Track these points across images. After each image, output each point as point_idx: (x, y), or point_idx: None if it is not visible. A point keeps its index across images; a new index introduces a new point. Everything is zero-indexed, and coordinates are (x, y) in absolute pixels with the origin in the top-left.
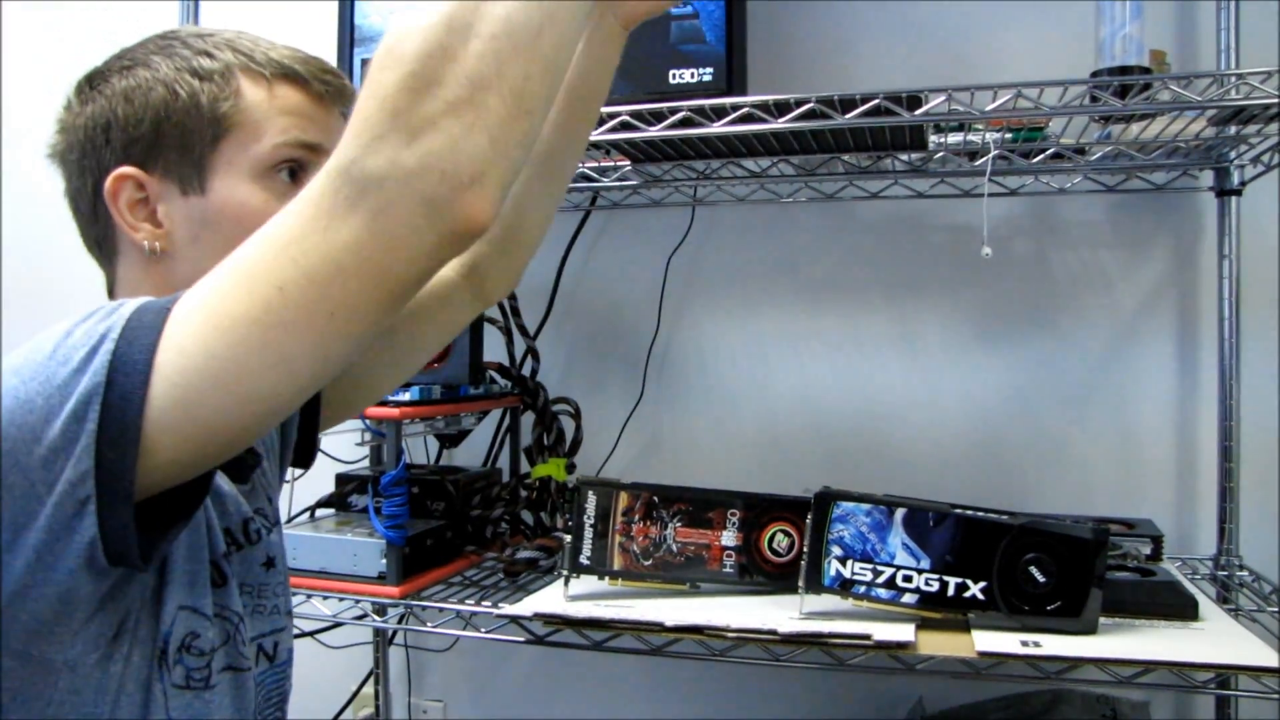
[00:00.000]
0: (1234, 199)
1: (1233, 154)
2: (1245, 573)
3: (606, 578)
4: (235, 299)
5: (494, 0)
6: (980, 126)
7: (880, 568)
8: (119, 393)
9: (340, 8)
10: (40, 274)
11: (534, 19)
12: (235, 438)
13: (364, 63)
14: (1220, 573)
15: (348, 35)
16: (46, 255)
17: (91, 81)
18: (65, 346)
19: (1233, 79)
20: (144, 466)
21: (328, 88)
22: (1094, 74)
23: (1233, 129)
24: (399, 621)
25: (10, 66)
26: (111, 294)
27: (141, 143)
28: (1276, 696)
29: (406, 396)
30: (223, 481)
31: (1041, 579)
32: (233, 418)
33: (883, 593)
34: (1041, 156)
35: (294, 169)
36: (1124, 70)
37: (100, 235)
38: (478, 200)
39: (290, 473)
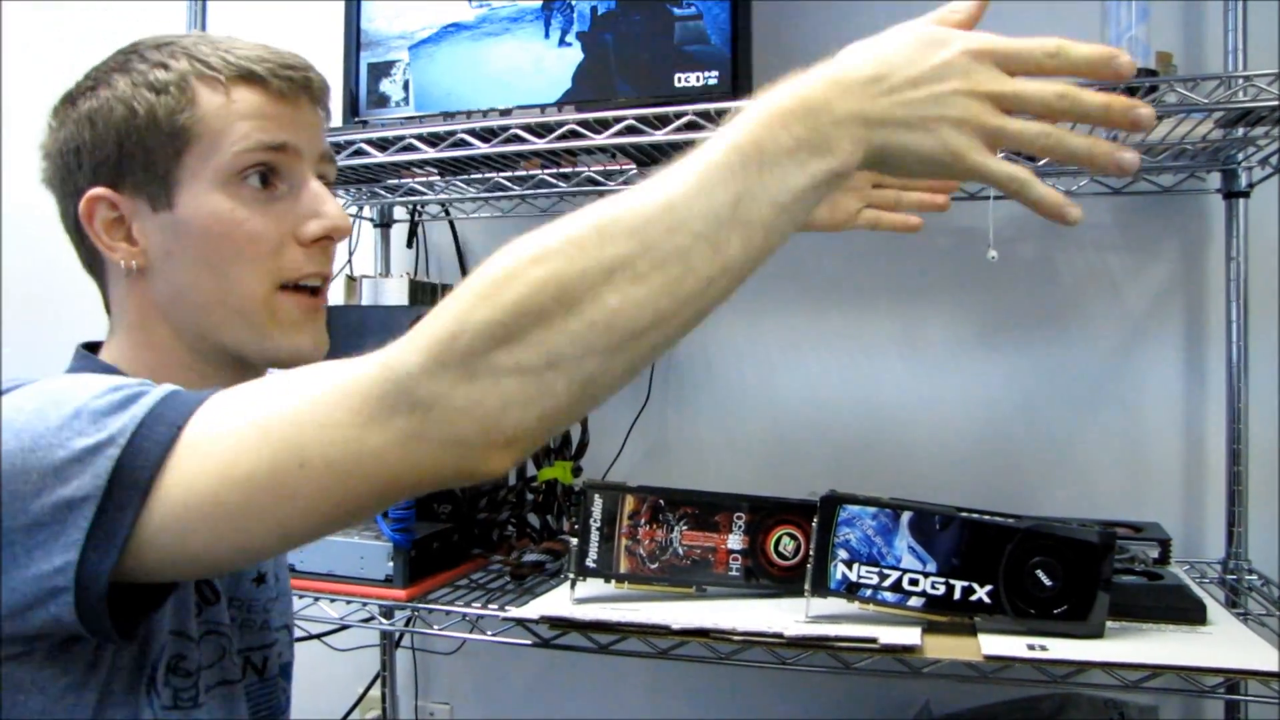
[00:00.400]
0: (1241, 201)
1: (1240, 156)
2: (1254, 576)
3: (613, 581)
4: (256, 457)
5: (613, 289)
6: None
7: (886, 571)
8: (117, 503)
9: (346, 10)
10: (40, 274)
11: (642, 321)
12: (216, 568)
13: (371, 67)
14: (1229, 576)
15: (353, 39)
16: (46, 255)
17: (64, 104)
18: (70, 428)
19: (1240, 81)
20: (123, 567)
21: (289, 83)
22: None
23: (1240, 131)
24: (405, 624)
25: (10, 66)
26: (109, 311)
27: (108, 164)
28: None
29: None
30: None
31: (1048, 582)
32: (219, 556)
33: (889, 596)
34: (1047, 159)
35: (264, 173)
36: None
37: (88, 257)
38: (502, 460)
39: None
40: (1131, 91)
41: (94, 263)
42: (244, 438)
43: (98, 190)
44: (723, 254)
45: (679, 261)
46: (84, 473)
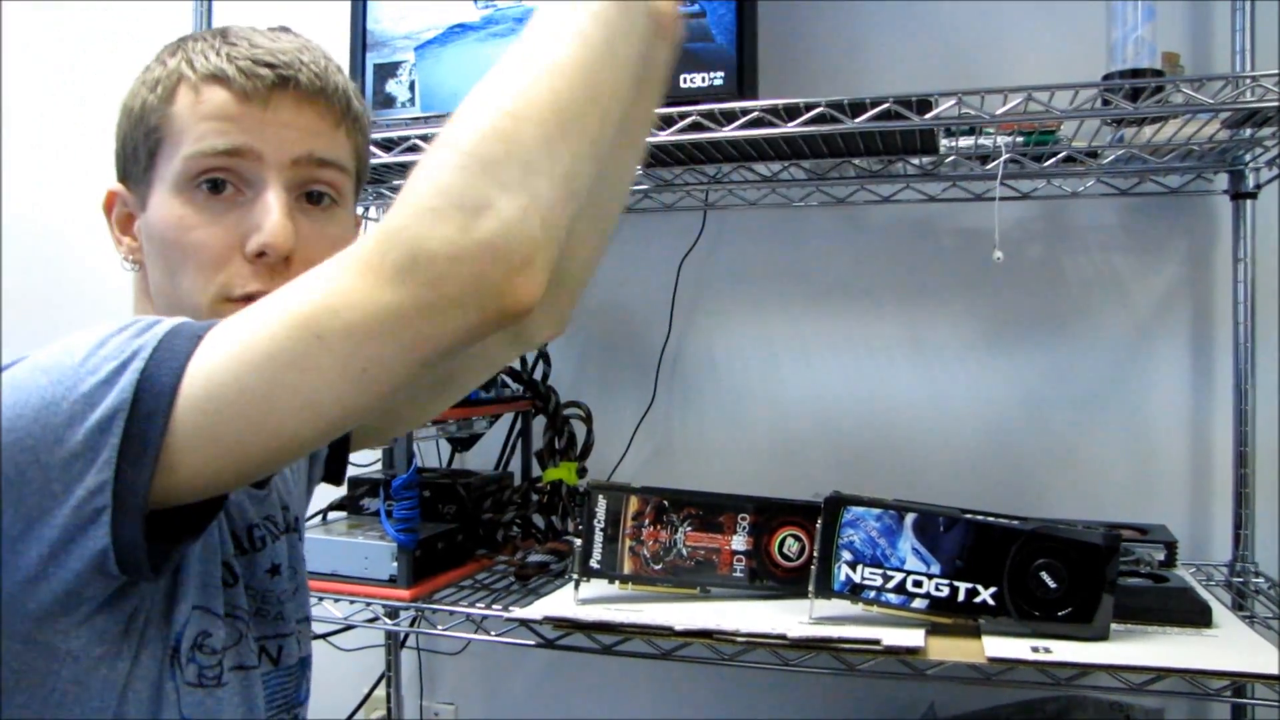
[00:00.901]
0: (1249, 202)
1: (1247, 157)
2: (1260, 579)
3: (617, 581)
4: (273, 338)
5: (543, 83)
6: (991, 130)
7: (890, 573)
8: (144, 411)
9: (352, 10)
10: (40, 273)
11: (579, 99)
12: (254, 468)
13: (377, 68)
14: (1235, 579)
15: (359, 40)
16: (46, 255)
17: None
18: (96, 356)
19: (1247, 81)
20: (160, 484)
21: (258, 81)
22: (1106, 77)
23: (1247, 131)
24: (410, 625)
25: (10, 66)
26: None
27: (120, 159)
28: None
29: None
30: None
31: (1052, 585)
32: (254, 450)
33: (893, 598)
34: (1053, 160)
35: (216, 180)
36: (1136, 73)
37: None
38: (527, 283)
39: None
40: (1137, 93)
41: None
42: (260, 322)
43: (114, 185)
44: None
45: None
46: (110, 392)
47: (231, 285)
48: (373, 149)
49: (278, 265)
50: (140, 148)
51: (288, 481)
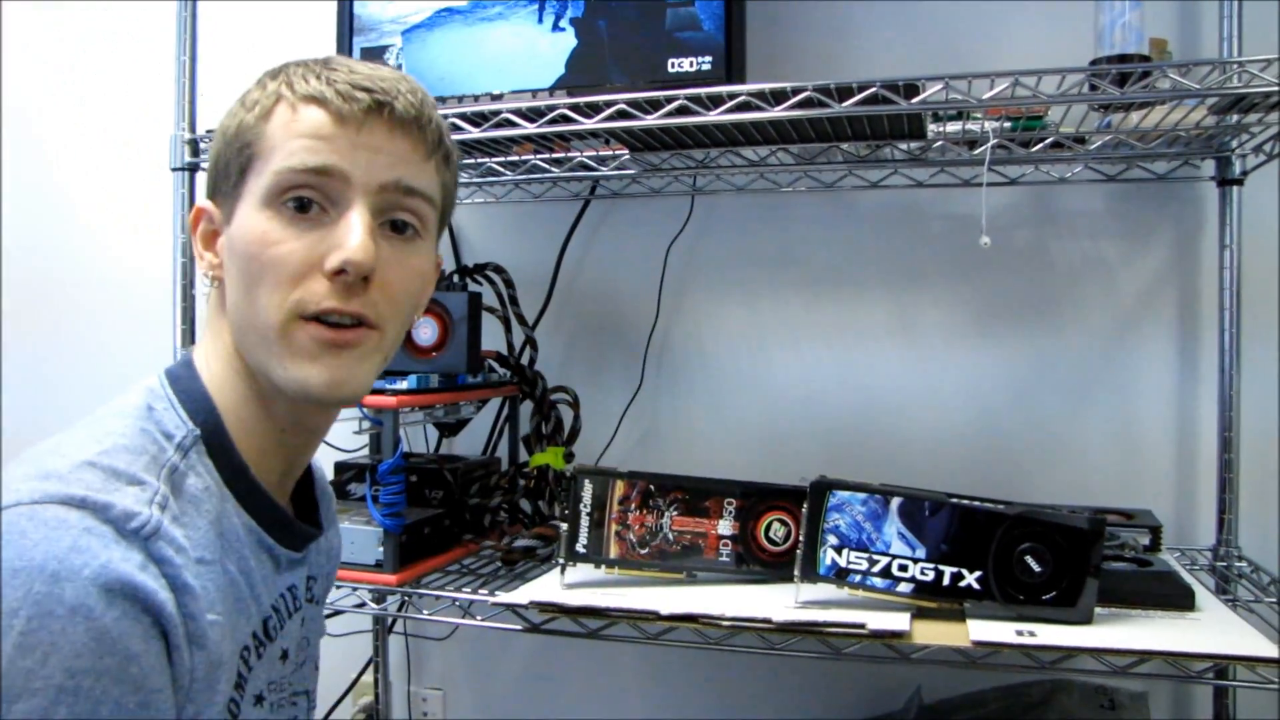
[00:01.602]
0: (1235, 188)
1: (1234, 143)
2: (1244, 563)
3: (603, 566)
4: None
5: None
6: (979, 115)
7: (876, 557)
8: None
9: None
10: (40, 273)
11: None
12: None
13: (364, 51)
14: (1219, 563)
15: (347, 24)
16: (46, 255)
17: None
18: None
19: (1233, 67)
20: None
21: (353, 104)
22: (1093, 62)
23: (1234, 117)
24: (397, 609)
25: (11, 66)
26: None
27: (210, 176)
28: (1274, 687)
29: (404, 385)
30: (261, 565)
31: (1037, 568)
32: None
33: (878, 582)
34: (1041, 145)
35: (303, 197)
36: (1123, 58)
37: None
38: None
39: None
40: (1124, 78)
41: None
42: None
43: (203, 202)
44: None
45: None
46: None
47: (306, 302)
48: None
49: (355, 284)
50: (232, 164)
51: (326, 554)
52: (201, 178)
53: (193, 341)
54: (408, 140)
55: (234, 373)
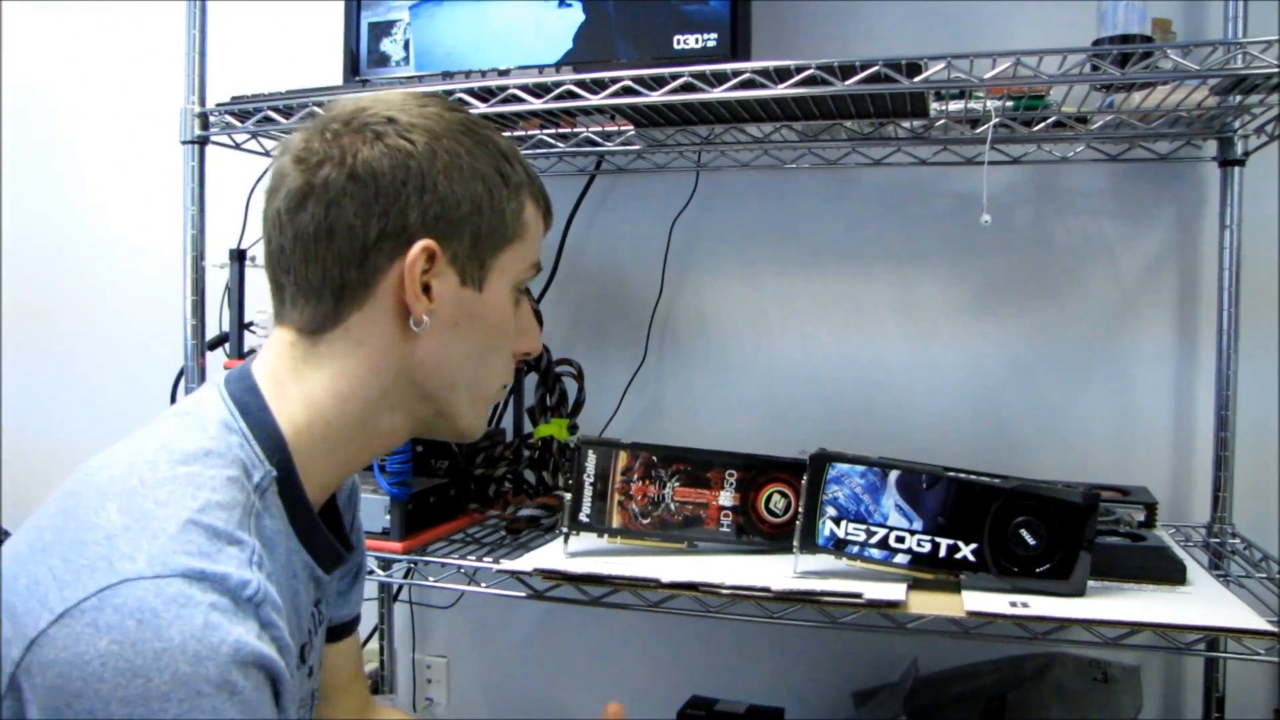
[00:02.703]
0: (1237, 169)
1: (1236, 124)
2: (1237, 540)
3: (605, 535)
4: None
5: None
6: (981, 94)
7: (873, 528)
8: None
9: None
10: (40, 274)
11: None
12: None
13: (371, 26)
14: (1213, 540)
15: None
16: (46, 254)
17: (390, 124)
18: None
19: (1235, 48)
20: None
21: (550, 224)
22: (1096, 42)
23: (1236, 98)
24: (403, 576)
25: (10, 66)
26: (313, 334)
27: (450, 222)
28: (1263, 659)
29: None
30: (308, 594)
31: (1032, 542)
32: None
33: (875, 553)
34: (1043, 125)
35: (521, 290)
36: (1125, 39)
37: (350, 279)
38: None
39: None
40: (1126, 58)
41: (349, 286)
42: None
43: (430, 241)
44: None
45: None
46: None
47: (510, 374)
48: None
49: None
50: (489, 230)
51: (344, 578)
52: (213, 152)
53: (202, 315)
54: None
55: (334, 408)
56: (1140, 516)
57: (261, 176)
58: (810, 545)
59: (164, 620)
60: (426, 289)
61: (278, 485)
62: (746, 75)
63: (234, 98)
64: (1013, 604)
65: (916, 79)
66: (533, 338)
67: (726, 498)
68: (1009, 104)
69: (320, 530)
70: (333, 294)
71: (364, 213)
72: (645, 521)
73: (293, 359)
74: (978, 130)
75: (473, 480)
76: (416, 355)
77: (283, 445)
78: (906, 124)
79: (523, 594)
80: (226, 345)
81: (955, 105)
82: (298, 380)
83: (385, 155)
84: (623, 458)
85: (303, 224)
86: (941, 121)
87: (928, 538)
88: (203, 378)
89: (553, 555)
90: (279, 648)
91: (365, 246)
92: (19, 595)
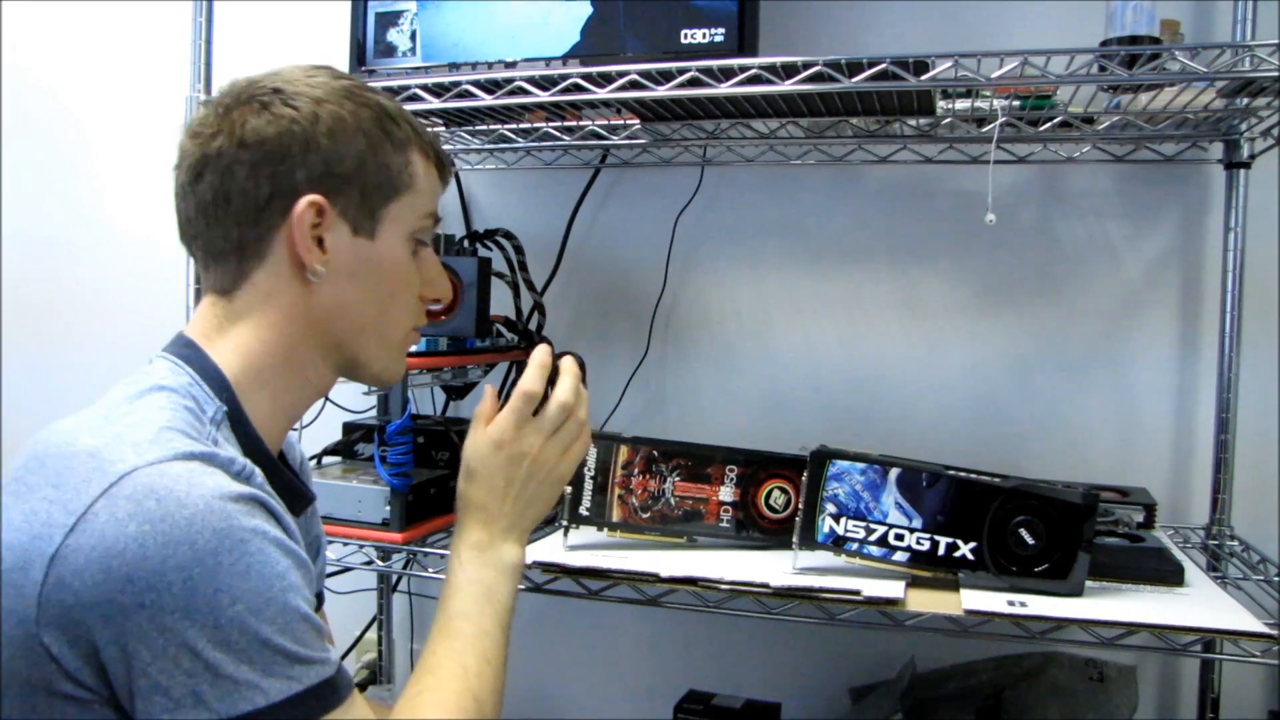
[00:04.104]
0: (1243, 172)
1: (1243, 126)
2: (1235, 542)
3: (605, 529)
4: None
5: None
6: (988, 93)
7: (873, 526)
8: None
9: None
10: (41, 263)
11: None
12: None
13: (378, 16)
14: (1211, 542)
15: None
16: (47, 244)
17: (275, 97)
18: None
19: (1243, 50)
20: None
21: (448, 172)
22: (1103, 43)
23: (1243, 101)
24: (403, 567)
25: (14, 55)
26: (227, 293)
27: (336, 178)
28: (1259, 660)
29: (413, 348)
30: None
31: (1031, 541)
32: None
33: (875, 550)
34: (1049, 125)
35: (420, 240)
36: (1133, 40)
37: (249, 238)
38: None
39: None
40: (1133, 59)
41: (249, 244)
42: None
43: (318, 197)
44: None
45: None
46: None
47: (417, 319)
48: None
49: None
50: (375, 183)
51: (310, 521)
52: None
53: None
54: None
55: (265, 357)
56: (1139, 517)
57: None
58: (810, 542)
59: (179, 492)
60: (321, 242)
61: (229, 421)
62: (753, 71)
63: None
64: (1011, 603)
65: (923, 77)
66: (440, 285)
67: (727, 493)
68: (1015, 103)
69: (277, 465)
70: (236, 254)
71: (254, 176)
72: (645, 516)
73: (216, 318)
74: (984, 129)
75: None
76: (321, 304)
77: (227, 385)
78: (913, 122)
79: (522, 586)
80: None
81: (962, 104)
82: (224, 336)
83: (271, 123)
84: (623, 452)
85: (202, 193)
86: (948, 120)
87: (927, 536)
88: None
89: (552, 548)
90: (281, 523)
91: (259, 207)
92: (16, 530)
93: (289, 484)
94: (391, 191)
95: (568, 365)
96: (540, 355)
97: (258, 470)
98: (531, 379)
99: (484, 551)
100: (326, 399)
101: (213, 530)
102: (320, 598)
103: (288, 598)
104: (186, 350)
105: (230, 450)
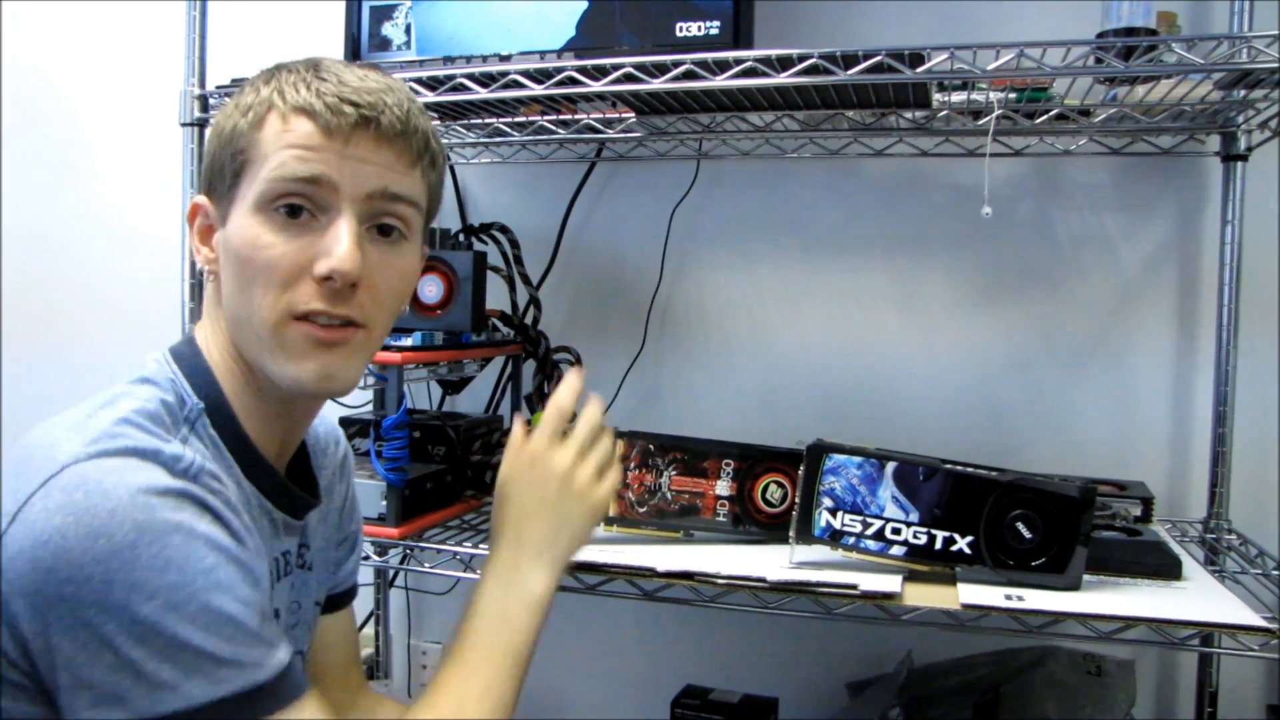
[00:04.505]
0: (1240, 164)
1: (1240, 118)
2: (1233, 535)
3: (601, 524)
4: None
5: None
6: (984, 85)
7: (870, 520)
8: None
9: None
10: (37, 255)
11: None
12: None
13: (373, 10)
14: (1209, 535)
15: None
16: (43, 235)
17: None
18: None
19: (1240, 42)
20: None
21: (341, 117)
22: (1100, 35)
23: (1240, 93)
24: (399, 562)
25: (10, 46)
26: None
27: (206, 174)
28: (1257, 654)
29: (409, 342)
30: (260, 529)
31: (1028, 535)
32: None
33: (871, 544)
34: (1046, 117)
35: (293, 204)
36: (1130, 31)
37: None
38: None
39: None
40: (1130, 51)
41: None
42: None
43: (199, 198)
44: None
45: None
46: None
47: (296, 304)
48: None
49: (343, 290)
50: (226, 167)
51: (323, 522)
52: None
53: (199, 298)
54: (393, 150)
55: (230, 359)
56: (1137, 511)
57: None
58: (806, 536)
59: (107, 485)
60: (211, 243)
61: (210, 419)
62: (748, 63)
63: (234, 80)
64: (1008, 597)
65: (919, 69)
66: (329, 258)
67: (723, 487)
68: (1012, 96)
69: (263, 463)
70: None
71: None
72: (641, 510)
73: (209, 303)
74: (980, 122)
75: (469, 466)
76: (223, 304)
77: (213, 382)
78: (908, 115)
79: None
80: None
81: (958, 96)
82: (213, 322)
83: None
84: (619, 446)
85: None
86: (944, 112)
87: (924, 530)
88: None
89: None
90: (223, 521)
91: None
92: None
93: (278, 485)
94: (235, 168)
95: (592, 399)
96: (575, 378)
97: (211, 467)
98: (565, 394)
99: (510, 574)
100: None
101: (133, 523)
102: (353, 592)
103: (210, 597)
104: (183, 346)
105: (190, 448)
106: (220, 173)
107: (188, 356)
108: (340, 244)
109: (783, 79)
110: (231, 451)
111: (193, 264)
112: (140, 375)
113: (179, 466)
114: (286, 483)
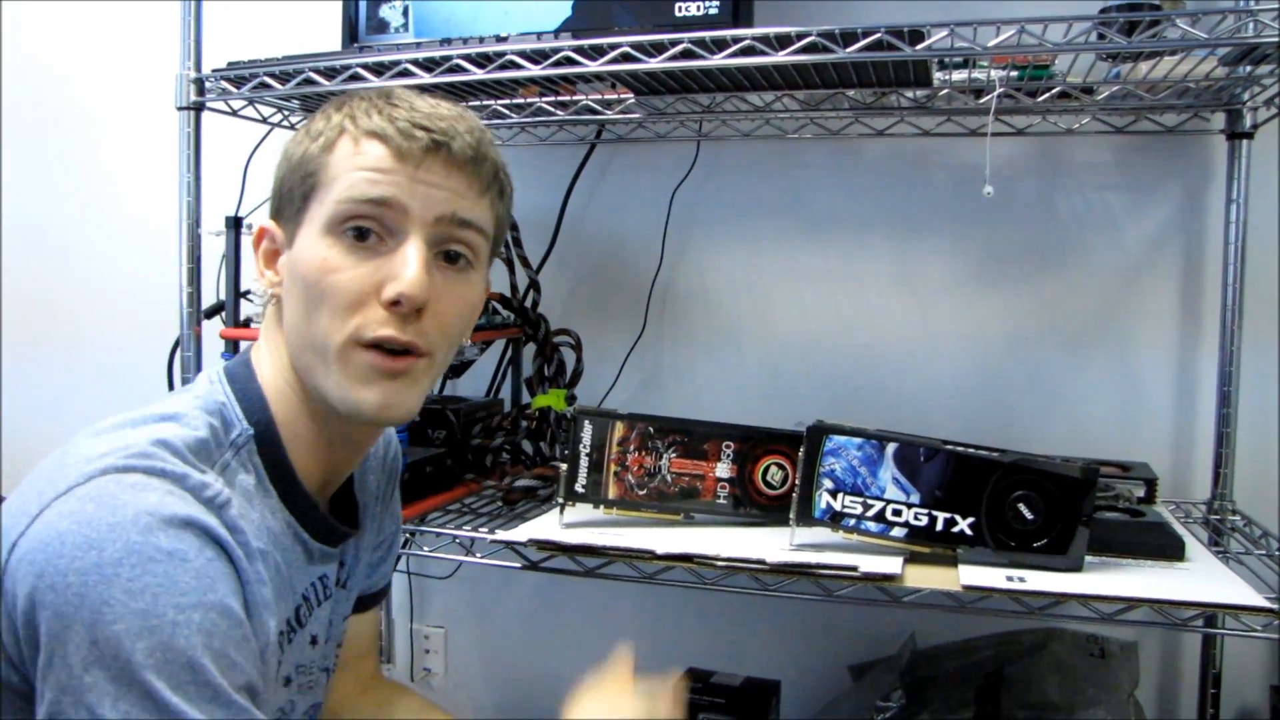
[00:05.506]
0: (1245, 142)
1: (1245, 95)
2: (1237, 516)
3: (601, 506)
4: None
5: None
6: (985, 63)
7: (870, 501)
8: None
9: None
10: (34, 240)
11: None
12: None
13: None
14: (1212, 516)
15: None
16: (40, 220)
17: None
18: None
19: (1245, 16)
20: None
21: (412, 141)
22: (1103, 10)
23: (1245, 69)
24: (401, 546)
25: (10, 66)
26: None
27: (274, 199)
28: (1260, 635)
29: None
30: (296, 556)
31: (1029, 516)
32: None
33: (872, 526)
34: (1048, 95)
35: (362, 227)
36: (1133, 6)
37: None
38: None
39: None
40: (1133, 26)
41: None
42: None
43: (265, 222)
44: None
45: None
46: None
47: (364, 329)
48: (363, 73)
49: (410, 315)
50: (296, 190)
51: (359, 543)
52: (209, 118)
53: (198, 283)
54: (463, 177)
55: (286, 384)
56: (1140, 492)
57: (260, 143)
58: (807, 518)
59: (120, 500)
60: (276, 266)
61: (256, 443)
62: (747, 42)
63: (230, 63)
64: (1010, 578)
65: (919, 46)
66: (397, 282)
67: (723, 469)
68: (1013, 73)
69: (304, 494)
70: None
71: None
72: (641, 493)
73: (267, 325)
74: (981, 100)
75: (470, 450)
76: (285, 329)
77: (264, 409)
78: (909, 94)
79: (518, 565)
80: (223, 314)
81: (959, 74)
82: (271, 347)
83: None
84: (619, 428)
85: None
86: (945, 91)
87: (925, 511)
88: (199, 346)
89: (548, 526)
90: (247, 554)
91: None
92: (10, 515)
93: (310, 517)
94: (309, 191)
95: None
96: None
97: (242, 501)
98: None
99: None
100: None
101: (125, 542)
102: (384, 592)
103: (176, 634)
104: (238, 368)
105: (225, 478)
106: (289, 196)
107: (242, 379)
108: (409, 267)
109: (781, 57)
110: (273, 480)
111: (191, 248)
112: (192, 395)
113: (205, 494)
114: (326, 516)
